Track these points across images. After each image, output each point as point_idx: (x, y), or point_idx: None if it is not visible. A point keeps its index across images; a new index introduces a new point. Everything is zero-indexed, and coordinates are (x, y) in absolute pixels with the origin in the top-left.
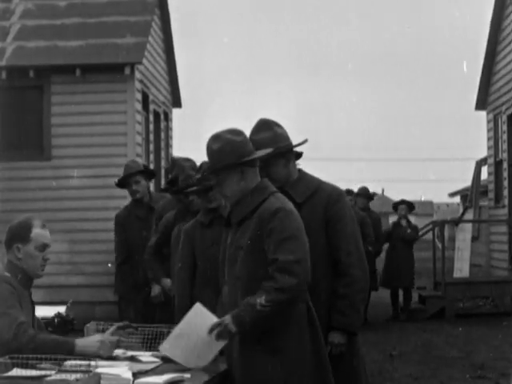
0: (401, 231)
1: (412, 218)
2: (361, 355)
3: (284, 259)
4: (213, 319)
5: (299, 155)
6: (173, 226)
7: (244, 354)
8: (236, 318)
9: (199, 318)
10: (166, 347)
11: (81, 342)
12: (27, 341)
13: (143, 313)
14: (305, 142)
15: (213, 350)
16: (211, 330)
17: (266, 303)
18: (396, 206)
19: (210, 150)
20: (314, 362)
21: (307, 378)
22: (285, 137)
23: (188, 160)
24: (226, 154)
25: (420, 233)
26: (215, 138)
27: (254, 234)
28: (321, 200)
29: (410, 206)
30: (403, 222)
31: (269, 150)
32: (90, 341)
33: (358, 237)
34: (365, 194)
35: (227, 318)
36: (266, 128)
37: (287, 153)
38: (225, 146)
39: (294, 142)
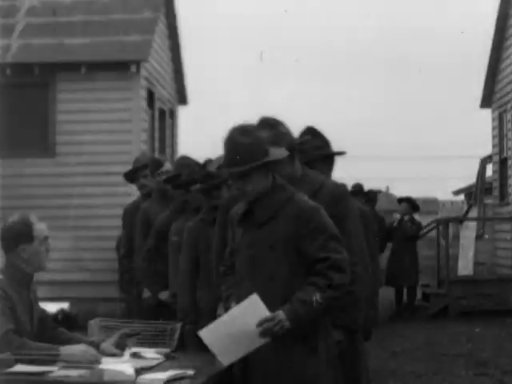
0: (403, 228)
1: (416, 216)
2: (362, 353)
3: (336, 257)
4: (266, 313)
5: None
6: (167, 228)
7: (281, 353)
8: (291, 314)
9: (251, 310)
10: (205, 333)
11: (65, 351)
12: (12, 351)
13: (139, 311)
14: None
15: (249, 346)
16: (260, 324)
17: (321, 300)
18: (400, 201)
19: (237, 144)
20: (333, 363)
21: (331, 378)
22: (289, 135)
23: (189, 158)
24: (257, 150)
25: (424, 230)
26: (243, 132)
27: (290, 233)
28: (324, 198)
29: (413, 204)
30: (406, 219)
31: (285, 153)
32: (74, 349)
33: (361, 235)
34: (359, 192)
35: (281, 314)
36: (270, 126)
37: (292, 151)
38: (255, 142)
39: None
